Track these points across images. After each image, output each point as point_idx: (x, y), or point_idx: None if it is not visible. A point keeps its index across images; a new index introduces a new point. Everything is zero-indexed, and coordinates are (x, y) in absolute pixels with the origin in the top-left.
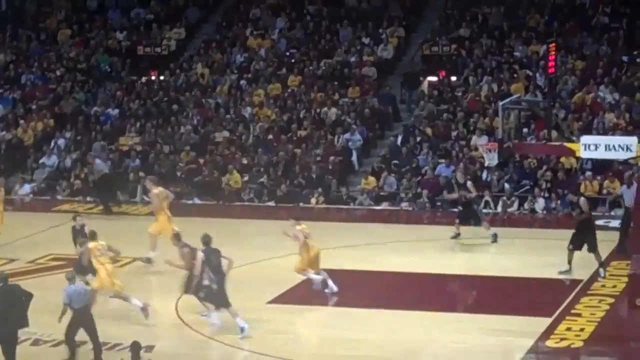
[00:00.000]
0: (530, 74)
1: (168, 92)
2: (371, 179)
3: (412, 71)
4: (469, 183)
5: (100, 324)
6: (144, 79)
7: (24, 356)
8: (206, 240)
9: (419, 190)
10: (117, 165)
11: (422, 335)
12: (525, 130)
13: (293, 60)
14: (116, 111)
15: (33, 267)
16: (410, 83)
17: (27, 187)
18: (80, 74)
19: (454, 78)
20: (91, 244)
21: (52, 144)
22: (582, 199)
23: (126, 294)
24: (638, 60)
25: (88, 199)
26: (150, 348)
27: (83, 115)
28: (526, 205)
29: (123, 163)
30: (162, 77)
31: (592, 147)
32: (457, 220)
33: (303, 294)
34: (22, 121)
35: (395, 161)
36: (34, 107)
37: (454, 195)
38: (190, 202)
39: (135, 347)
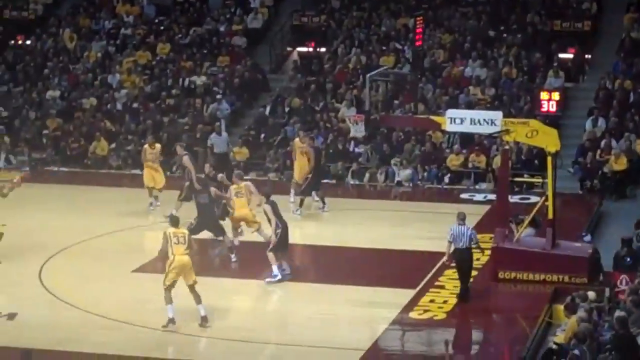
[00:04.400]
0: (399, 47)
1: (35, 57)
2: (244, 149)
3: (282, 41)
4: (219, 176)
5: None
6: (10, 42)
7: None
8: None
9: (287, 161)
10: None
11: (287, 306)
12: (396, 102)
13: (162, 28)
14: None
15: None
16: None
17: None
18: None
19: (323, 49)
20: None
21: None
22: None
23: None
24: (504, 35)
25: None
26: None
27: None
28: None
29: None
30: (28, 42)
31: (457, 120)
32: None
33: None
34: None
35: (263, 133)
36: None
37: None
38: (55, 169)
39: None
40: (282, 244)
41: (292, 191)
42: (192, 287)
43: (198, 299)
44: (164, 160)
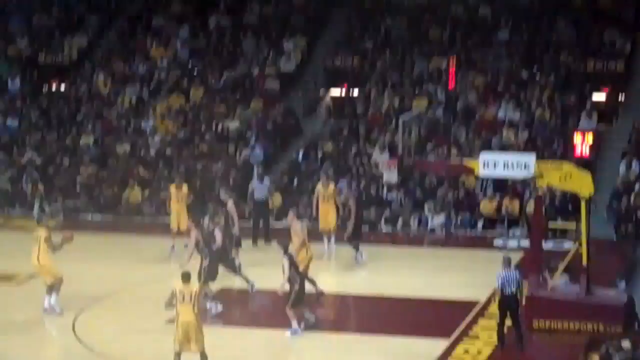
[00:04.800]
0: (432, 89)
1: (69, 102)
2: (277, 196)
3: (315, 85)
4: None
5: None
6: (44, 88)
7: None
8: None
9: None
10: (16, 179)
11: (320, 357)
12: (428, 146)
13: (196, 71)
14: (15, 122)
15: None
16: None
17: None
18: None
19: (356, 92)
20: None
21: None
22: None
23: None
24: (537, 77)
25: None
26: None
27: None
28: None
29: (22, 176)
30: (62, 88)
31: (490, 164)
32: None
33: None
34: None
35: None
36: None
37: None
38: (89, 216)
39: None
40: (301, 298)
41: (326, 240)
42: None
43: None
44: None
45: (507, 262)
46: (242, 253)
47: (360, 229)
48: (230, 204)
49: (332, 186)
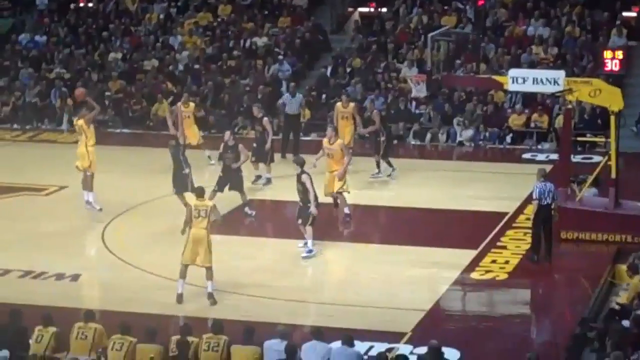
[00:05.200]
0: (461, 6)
1: (97, 19)
2: (306, 110)
3: (343, 2)
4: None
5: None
6: (72, 5)
7: None
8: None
9: None
10: (45, 93)
11: (348, 266)
12: (458, 61)
13: None
14: (44, 38)
15: None
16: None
17: None
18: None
19: (384, 9)
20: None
21: None
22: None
23: None
24: None
25: (14, 125)
26: (76, 277)
27: (10, 42)
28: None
29: (51, 91)
30: (90, 4)
31: (520, 80)
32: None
33: (228, 225)
34: None
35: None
36: None
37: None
38: (118, 130)
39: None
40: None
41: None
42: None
43: (209, 275)
44: (227, 121)
45: (542, 174)
46: (272, 166)
47: (387, 146)
48: (265, 120)
49: (351, 105)
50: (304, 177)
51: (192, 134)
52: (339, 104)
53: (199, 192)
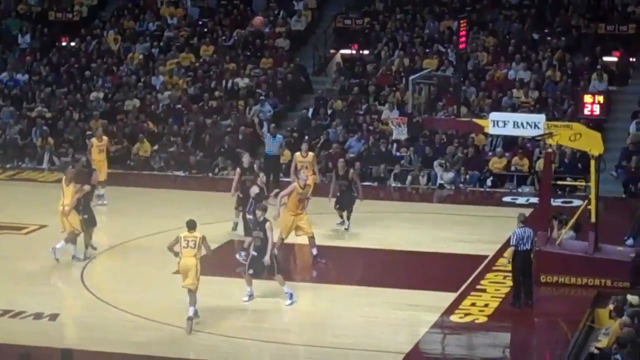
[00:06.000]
0: (443, 49)
1: (79, 58)
2: (286, 152)
3: (325, 44)
4: (351, 171)
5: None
6: (55, 44)
7: None
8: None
9: (329, 164)
10: (26, 132)
11: (328, 309)
12: (439, 104)
13: (206, 30)
14: (26, 77)
15: None
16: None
17: None
18: None
19: (366, 52)
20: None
21: None
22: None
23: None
24: (548, 38)
25: None
26: (54, 316)
27: None
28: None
29: (32, 130)
30: (73, 44)
31: (500, 123)
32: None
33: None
34: None
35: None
36: None
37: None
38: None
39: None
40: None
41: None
42: (188, 290)
43: (192, 301)
44: (206, 162)
45: (521, 220)
46: None
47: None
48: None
49: (310, 154)
50: (267, 225)
51: (105, 170)
52: (297, 153)
53: (191, 225)
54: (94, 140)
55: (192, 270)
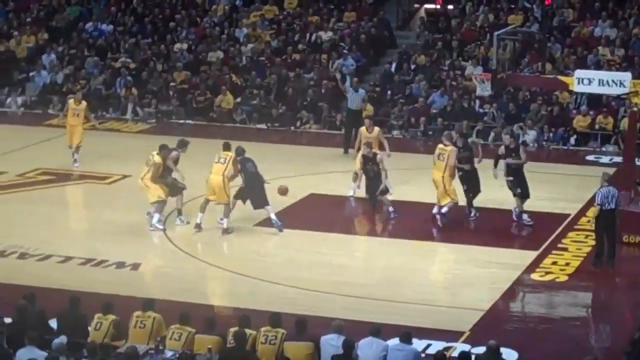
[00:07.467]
0: (528, 5)
1: (163, 9)
2: (369, 106)
3: None
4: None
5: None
6: None
7: (9, 268)
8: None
9: (412, 119)
10: (110, 82)
11: (409, 264)
12: (524, 60)
13: None
14: (110, 27)
15: (21, 180)
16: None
17: (18, 100)
18: None
19: (450, 7)
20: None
21: (44, 58)
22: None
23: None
24: None
25: None
26: (136, 266)
27: (76, 30)
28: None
29: (116, 80)
30: None
31: (585, 81)
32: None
33: (289, 218)
34: (15, 33)
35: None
36: (28, 20)
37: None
38: (181, 121)
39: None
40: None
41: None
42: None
43: (226, 213)
44: (289, 115)
45: (606, 179)
46: (334, 161)
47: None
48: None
49: (376, 130)
50: (378, 157)
51: (79, 134)
52: (362, 128)
53: (225, 146)
54: (70, 102)
55: (217, 186)
